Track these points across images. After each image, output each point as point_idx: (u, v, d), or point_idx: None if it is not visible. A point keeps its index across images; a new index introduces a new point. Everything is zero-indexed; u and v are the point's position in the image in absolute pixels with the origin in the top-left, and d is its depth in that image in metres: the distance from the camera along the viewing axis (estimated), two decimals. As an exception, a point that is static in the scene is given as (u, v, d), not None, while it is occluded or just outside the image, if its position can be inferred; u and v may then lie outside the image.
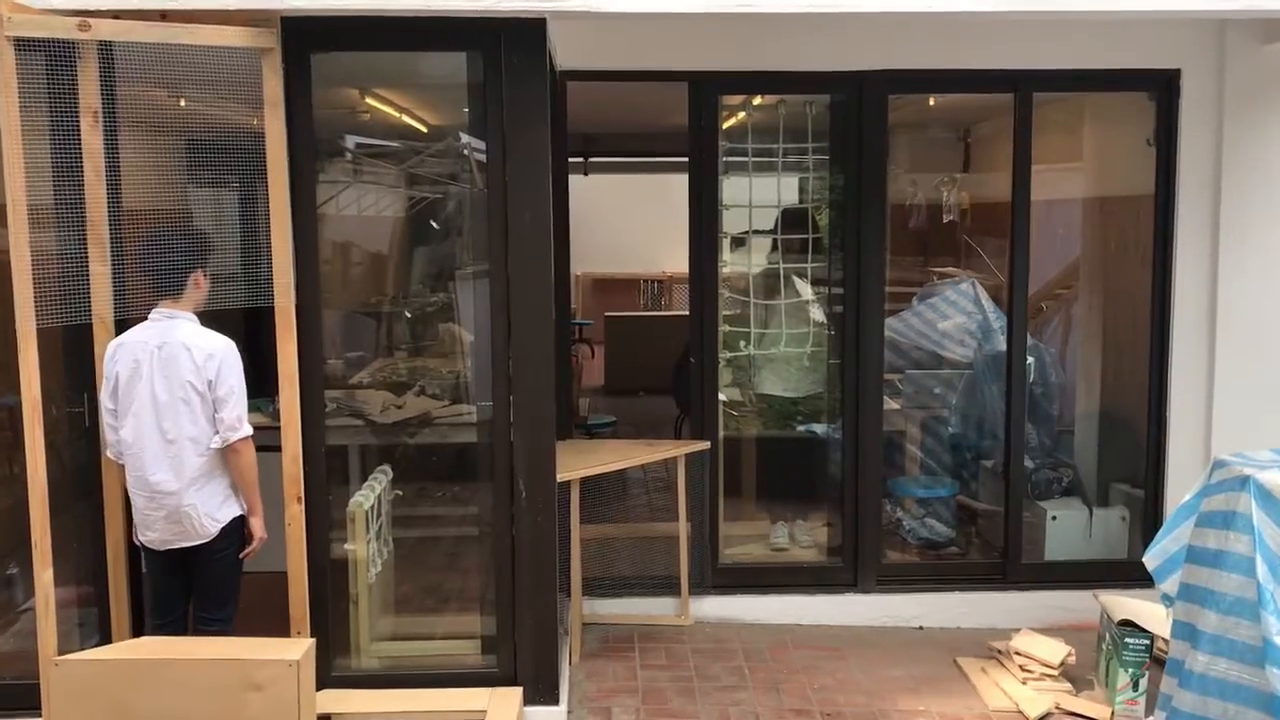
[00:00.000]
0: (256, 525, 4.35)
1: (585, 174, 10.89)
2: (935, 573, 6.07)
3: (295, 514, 4.44)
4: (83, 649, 4.53)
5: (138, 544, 4.36)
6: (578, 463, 5.37)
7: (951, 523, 6.70)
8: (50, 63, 4.12)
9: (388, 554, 5.16)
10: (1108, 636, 5.01)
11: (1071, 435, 6.96)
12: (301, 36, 4.33)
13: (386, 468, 5.32)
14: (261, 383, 4.72)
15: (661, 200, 13.46)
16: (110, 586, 4.44)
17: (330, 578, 4.70)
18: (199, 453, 4.18)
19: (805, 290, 6.27)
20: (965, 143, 8.53)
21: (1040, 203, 7.93)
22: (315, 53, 4.41)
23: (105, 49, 4.21)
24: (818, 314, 6.21)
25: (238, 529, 4.32)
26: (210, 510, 4.23)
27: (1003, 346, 6.89)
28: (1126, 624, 4.87)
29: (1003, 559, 5.96)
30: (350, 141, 7.24)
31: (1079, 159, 6.98)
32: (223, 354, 4.19)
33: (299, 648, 3.97)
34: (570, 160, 10.03)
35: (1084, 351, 6.93)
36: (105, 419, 4.27)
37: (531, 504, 4.52)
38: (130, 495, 4.27)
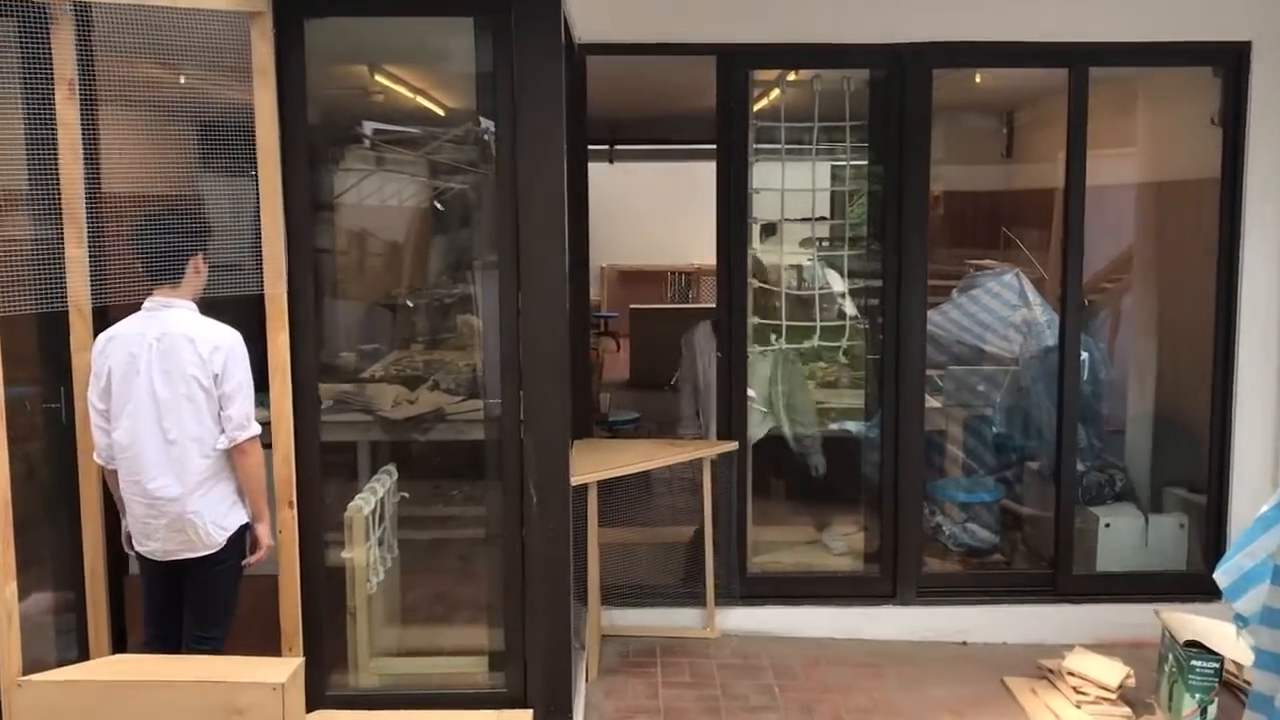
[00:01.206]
0: (263, 532, 3.97)
1: (611, 162, 10.49)
2: (979, 583, 5.63)
3: (287, 519, 4.06)
4: (62, 664, 4.20)
5: (132, 554, 4.01)
6: (595, 464, 4.97)
7: (995, 528, 6.26)
8: (22, 30, 3.74)
9: (391, 561, 4.77)
10: (1171, 658, 4.57)
11: (1122, 436, 6.50)
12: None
13: (391, 468, 4.93)
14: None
15: (690, 189, 13.00)
16: (88, 600, 4.06)
17: (327, 588, 4.31)
18: (204, 454, 3.81)
19: (837, 282, 5.84)
20: (1008, 128, 8.05)
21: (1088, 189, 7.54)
22: (309, 18, 4.00)
23: (82, 14, 3.84)
24: (850, 307, 5.77)
25: (241, 538, 3.95)
26: (216, 518, 3.86)
27: (1049, 341, 6.49)
28: (1193, 645, 4.43)
29: (1052, 569, 5.51)
30: (363, 125, 6.90)
31: (1130, 143, 6.50)
32: (230, 346, 3.82)
33: (285, 669, 3.58)
34: (595, 148, 9.77)
35: (1137, 347, 6.46)
36: (94, 420, 3.86)
37: (543, 510, 4.12)
38: (126, 502, 3.89)
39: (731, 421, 5.39)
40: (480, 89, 4.26)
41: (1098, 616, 5.36)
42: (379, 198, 7.29)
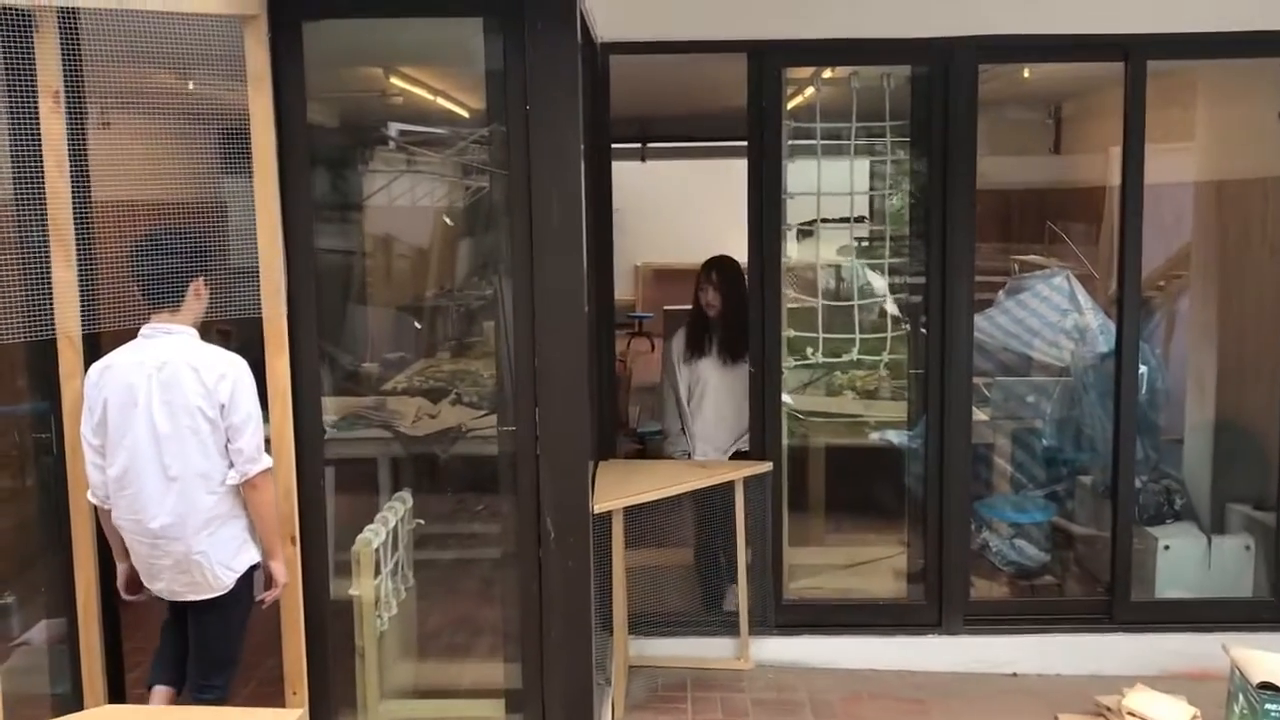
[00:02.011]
0: (279, 570, 3.73)
1: (643, 160, 10.19)
2: (1030, 610, 5.28)
3: (289, 557, 3.79)
4: (54, 702, 3.98)
5: (130, 599, 3.82)
6: (618, 489, 4.67)
7: (1045, 545, 5.93)
8: (5, 38, 3.48)
9: (406, 594, 4.50)
10: (1242, 699, 4.20)
11: (1179, 447, 6.11)
12: (290, 1, 3.66)
13: (405, 494, 4.65)
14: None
15: (727, 186, 12.70)
16: (81, 642, 3.80)
17: (335, 626, 4.05)
18: (210, 490, 3.57)
19: (879, 282, 5.52)
20: (1054, 121, 7.66)
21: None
22: (307, 20, 3.73)
23: (68, 21, 3.57)
24: (893, 308, 5.43)
25: (250, 580, 3.71)
26: (224, 559, 3.63)
27: (1102, 347, 6.16)
28: (1268, 686, 4.06)
29: (1109, 595, 5.15)
30: (385, 127, 6.66)
31: (1186, 138, 6.11)
32: (236, 373, 3.56)
33: (284, 720, 3.32)
34: (626, 146, 9.48)
35: (1195, 351, 6.08)
36: (88, 456, 3.59)
37: (561, 545, 3.82)
38: (128, 542, 3.64)
39: (766, 440, 5.07)
40: (491, 91, 3.98)
41: (1157, 646, 5.00)
42: (405, 199, 7.05)
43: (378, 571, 4.21)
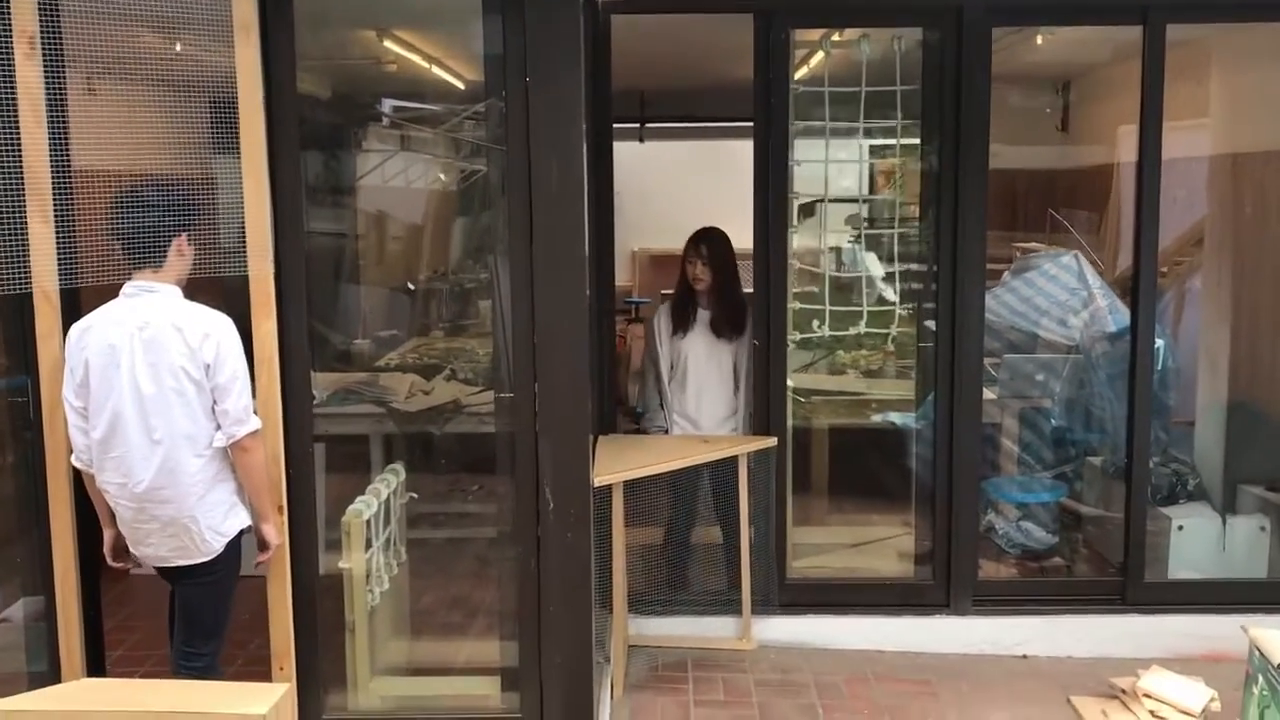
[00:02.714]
0: (270, 533, 3.58)
1: (641, 140, 9.99)
2: (1041, 591, 5.12)
3: (277, 525, 3.61)
4: (32, 678, 3.81)
5: (116, 565, 3.65)
6: (619, 463, 4.49)
7: (1052, 528, 5.75)
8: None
9: (398, 568, 4.33)
10: (1262, 680, 4.03)
11: (1190, 429, 5.95)
12: (279, -53, 3.48)
13: (398, 466, 4.48)
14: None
15: (725, 170, 12.47)
16: (59, 615, 3.63)
17: (325, 600, 3.88)
18: (197, 453, 3.42)
19: (875, 266, 5.32)
20: (1062, 100, 7.47)
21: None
22: (297, -32, 3.55)
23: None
24: (891, 293, 5.24)
25: (238, 545, 3.57)
26: (214, 523, 3.48)
27: (1111, 327, 5.98)
28: (1291, 668, 3.90)
29: (1121, 576, 4.99)
30: (378, 101, 6.46)
31: (1198, 113, 5.93)
32: (221, 332, 3.39)
33: (269, 697, 3.11)
34: (624, 125, 9.28)
35: (1208, 332, 5.90)
36: (71, 419, 3.45)
37: (560, 516, 3.65)
38: (114, 507, 3.48)
39: (770, 415, 4.90)
40: (489, 52, 3.79)
41: (1171, 628, 4.85)
42: (399, 176, 6.88)
43: (369, 545, 4.04)
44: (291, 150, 3.59)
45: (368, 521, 3.99)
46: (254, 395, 3.52)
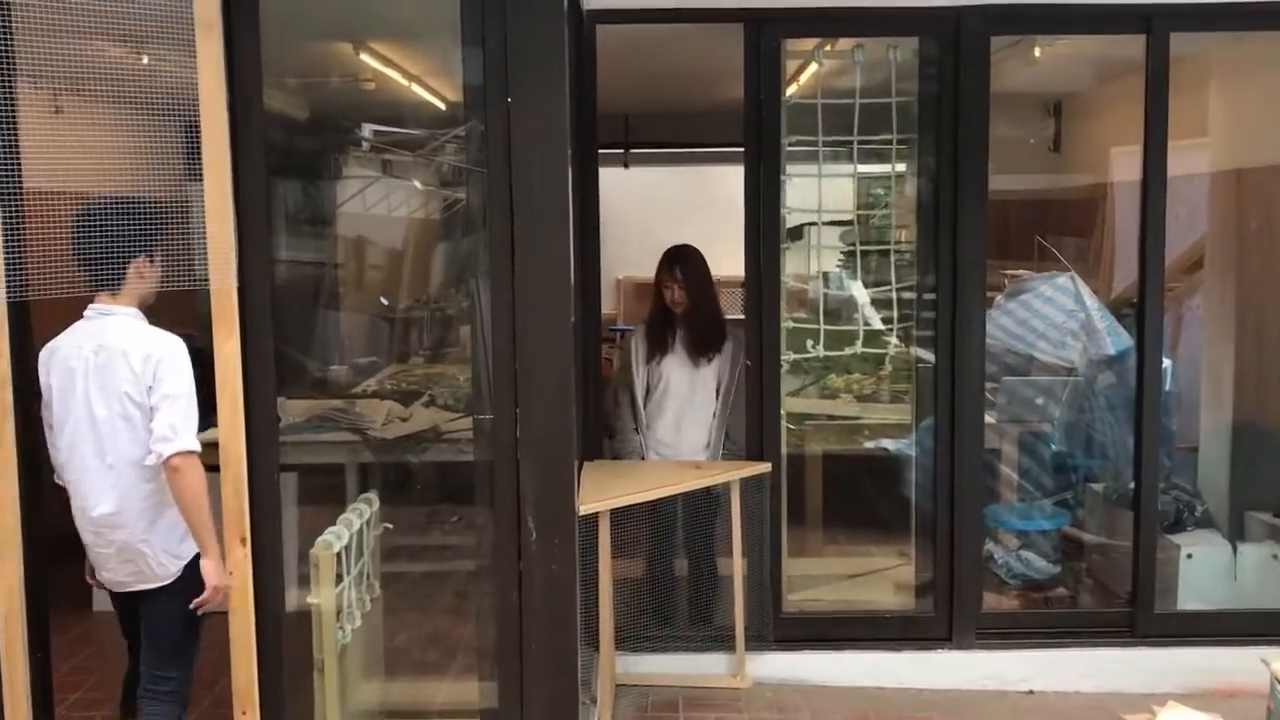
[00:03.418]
0: (210, 570, 3.31)
1: (626, 166, 9.78)
2: (1046, 623, 4.87)
3: (239, 559, 3.35)
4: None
5: (94, 584, 3.57)
6: (606, 490, 4.24)
7: (1053, 557, 5.52)
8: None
9: (371, 603, 4.05)
10: (1287, 716, 3.80)
11: (1192, 454, 5.73)
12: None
13: (372, 495, 4.21)
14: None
15: (712, 198, 12.31)
16: (2, 658, 3.33)
17: (293, 638, 3.60)
18: (146, 478, 3.31)
19: (860, 293, 5.10)
20: (1054, 117, 7.30)
21: (1135, 183, 6.80)
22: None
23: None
24: (878, 321, 5.02)
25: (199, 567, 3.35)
26: (168, 545, 3.36)
27: (1110, 349, 5.78)
28: (1317, 703, 3.66)
29: (1130, 607, 4.74)
30: (359, 125, 6.25)
31: (1197, 129, 5.76)
32: (163, 354, 3.26)
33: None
34: (609, 150, 9.07)
35: (1211, 352, 5.70)
36: (48, 438, 3.41)
37: (543, 546, 3.39)
38: (79, 529, 3.40)
39: (764, 440, 4.66)
40: (468, 64, 3.56)
41: (1183, 662, 4.61)
42: (379, 203, 6.66)
43: (340, 579, 3.77)
44: (257, 159, 3.35)
45: (338, 554, 3.72)
46: (210, 418, 3.33)
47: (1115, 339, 5.86)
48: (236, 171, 3.30)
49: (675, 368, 4.92)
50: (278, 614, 3.47)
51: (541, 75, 3.27)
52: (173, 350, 3.28)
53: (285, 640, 3.53)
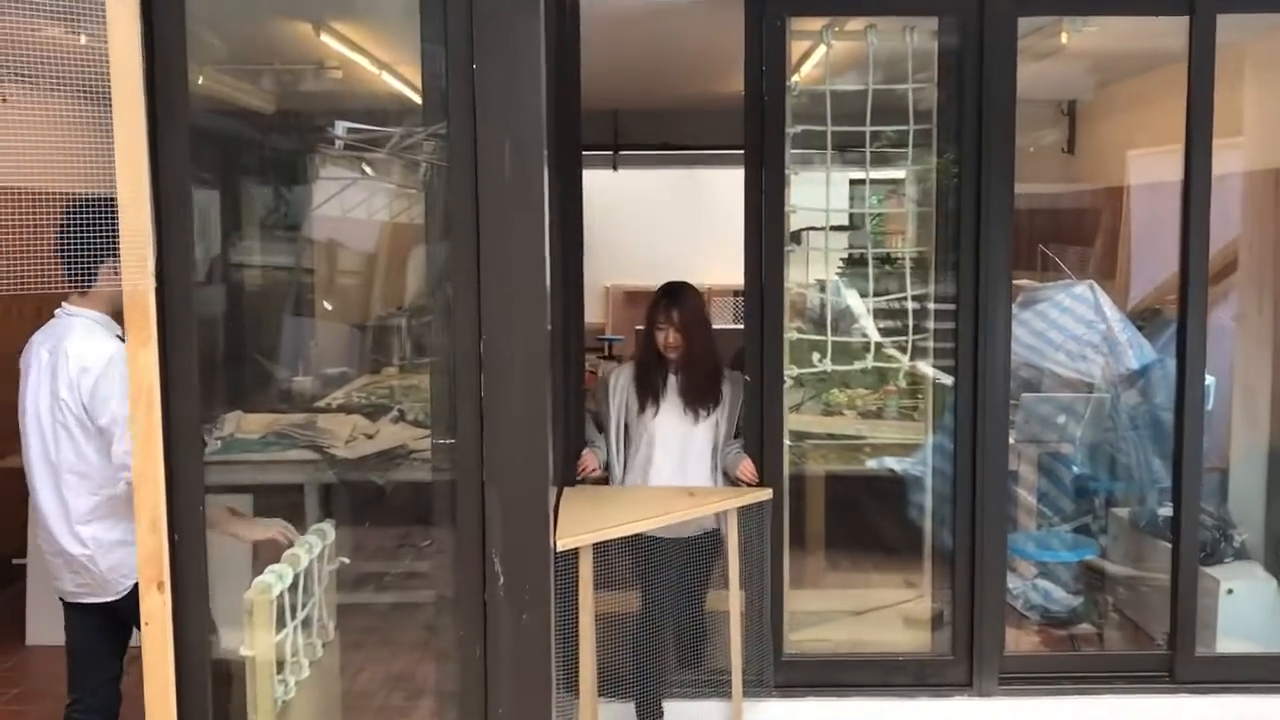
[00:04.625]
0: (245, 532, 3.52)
1: (614, 169, 9.30)
2: (1075, 667, 4.35)
3: (156, 608, 2.82)
4: None
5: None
6: (587, 520, 3.72)
7: (1074, 588, 5.03)
8: None
9: (323, 649, 3.53)
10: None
11: (1224, 477, 5.24)
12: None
13: (325, 526, 3.69)
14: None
15: (703, 203, 11.87)
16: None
17: (228, 693, 3.10)
18: (90, 491, 3.27)
19: (857, 303, 4.60)
20: (1068, 116, 6.83)
21: (1154, 187, 6.34)
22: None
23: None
24: (874, 332, 4.51)
25: None
26: (114, 563, 3.30)
27: (1133, 363, 5.31)
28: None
29: (1169, 650, 4.24)
30: (329, 120, 5.74)
31: (1231, 128, 5.27)
32: (99, 368, 3.17)
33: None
34: (597, 152, 8.60)
35: (1245, 366, 5.21)
36: None
37: (512, 592, 2.87)
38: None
39: (764, 463, 4.15)
40: (426, 40, 3.06)
41: (1231, 711, 4.11)
42: (349, 203, 6.18)
43: (284, 624, 3.25)
44: (179, 142, 2.83)
45: (279, 597, 3.20)
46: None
47: (1139, 352, 5.39)
48: (155, 155, 2.79)
49: (669, 422, 4.25)
50: (201, 668, 2.94)
51: (511, 39, 2.75)
52: (108, 365, 3.14)
53: (216, 701, 3.01)
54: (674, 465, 4.22)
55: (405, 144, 4.42)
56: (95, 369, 3.17)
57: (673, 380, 4.26)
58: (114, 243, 2.80)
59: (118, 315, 3.13)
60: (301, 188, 5.90)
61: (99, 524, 3.28)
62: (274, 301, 5.74)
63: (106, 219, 2.89)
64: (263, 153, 5.56)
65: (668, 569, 4.07)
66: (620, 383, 4.34)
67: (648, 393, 4.25)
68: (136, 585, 2.96)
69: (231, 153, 5.31)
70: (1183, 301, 4.19)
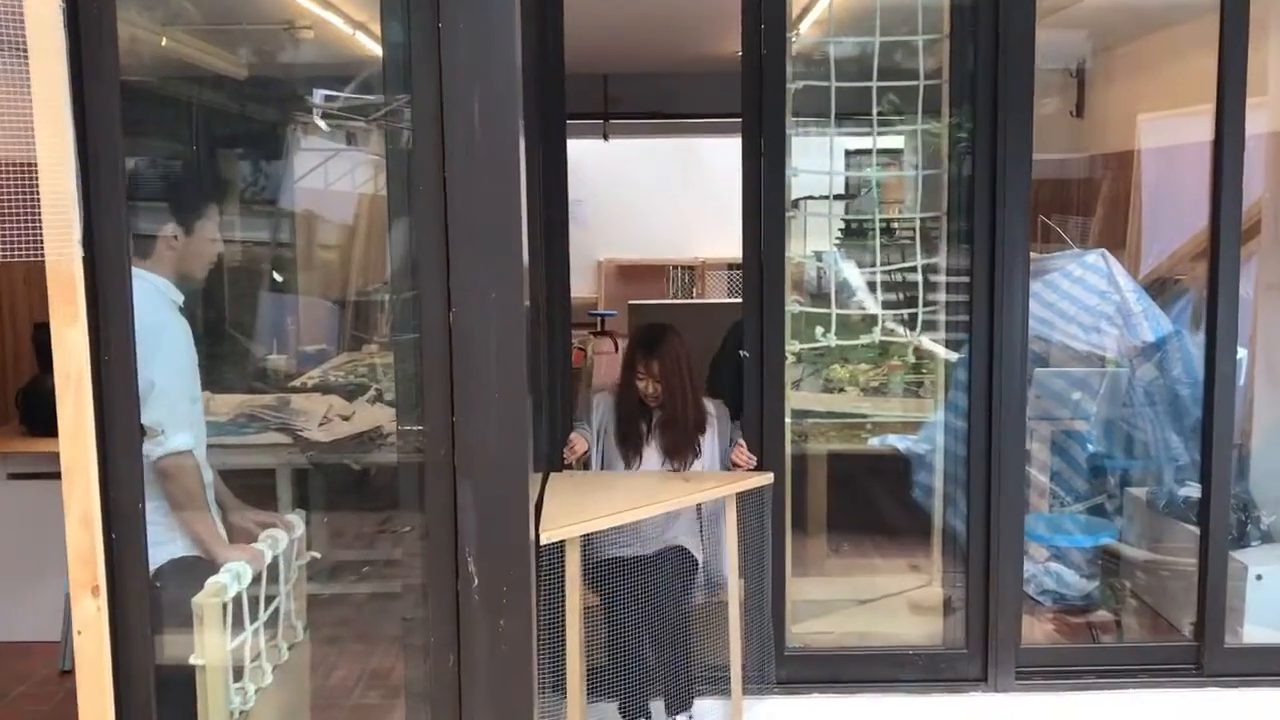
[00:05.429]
0: (226, 553, 3.00)
1: (605, 138, 8.94)
2: (1095, 659, 4.05)
3: (89, 614, 2.50)
4: None
5: None
6: (574, 509, 3.40)
7: (1087, 571, 4.73)
8: None
9: (289, 652, 3.22)
10: None
11: (1241, 453, 4.93)
12: None
13: (294, 519, 3.36)
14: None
15: (696, 174, 11.52)
16: None
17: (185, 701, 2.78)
18: None
19: (855, 276, 4.28)
20: (1077, 78, 6.47)
21: (1159, 151, 6.03)
22: None
23: None
24: (875, 305, 4.18)
25: (175, 577, 2.92)
26: None
27: (1150, 336, 5.00)
28: None
29: (1196, 640, 3.95)
30: (306, 90, 5.39)
31: (1254, 89, 4.95)
32: (140, 333, 2.67)
33: None
34: (587, 120, 8.25)
35: (1268, 337, 4.90)
36: None
37: (488, 597, 2.54)
38: None
39: (765, 446, 3.83)
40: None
41: (1264, 705, 3.81)
42: (342, 180, 5.84)
43: (243, 627, 2.93)
44: (108, 88, 2.48)
45: (237, 599, 2.88)
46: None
47: (1155, 323, 5.07)
48: (82, 111, 2.44)
49: (651, 474, 3.95)
50: (145, 686, 2.61)
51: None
52: (146, 327, 2.70)
53: (166, 716, 2.69)
54: (655, 520, 3.82)
55: (381, 109, 4.10)
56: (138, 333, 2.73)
57: (656, 434, 3.95)
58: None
59: (184, 280, 3.06)
60: (273, 154, 5.56)
61: None
62: (245, 275, 5.41)
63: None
64: (228, 118, 5.22)
65: (631, 587, 3.69)
66: (602, 409, 4.05)
67: (629, 447, 3.94)
68: (162, 566, 2.89)
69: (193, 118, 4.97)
70: (1213, 269, 3.87)
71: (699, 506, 3.90)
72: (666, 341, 3.93)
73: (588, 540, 3.57)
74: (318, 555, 3.46)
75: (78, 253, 2.44)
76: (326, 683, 3.98)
